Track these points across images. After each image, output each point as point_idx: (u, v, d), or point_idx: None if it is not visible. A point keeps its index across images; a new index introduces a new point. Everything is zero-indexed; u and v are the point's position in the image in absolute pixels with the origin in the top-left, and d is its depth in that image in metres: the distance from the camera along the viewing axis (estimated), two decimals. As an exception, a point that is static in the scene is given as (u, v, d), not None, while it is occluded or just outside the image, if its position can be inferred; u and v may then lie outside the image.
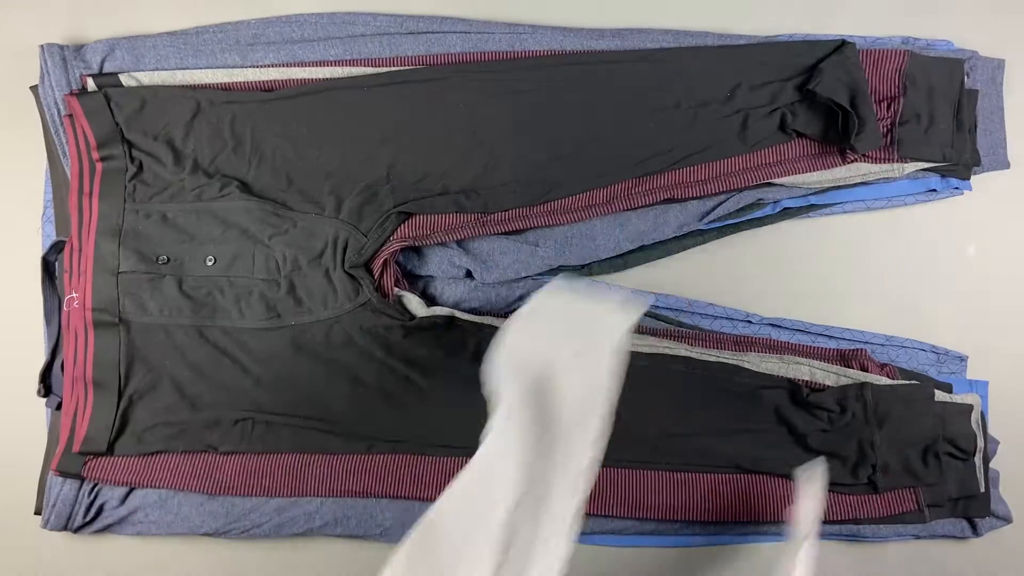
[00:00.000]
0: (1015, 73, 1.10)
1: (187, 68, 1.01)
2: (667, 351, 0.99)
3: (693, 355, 0.99)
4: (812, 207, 1.06)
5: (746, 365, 0.99)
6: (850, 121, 0.97)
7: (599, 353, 0.72)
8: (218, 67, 1.01)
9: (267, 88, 1.00)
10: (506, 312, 1.03)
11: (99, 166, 0.98)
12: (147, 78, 0.99)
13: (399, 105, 0.98)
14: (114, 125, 0.97)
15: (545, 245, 1.02)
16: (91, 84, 0.98)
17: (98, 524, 0.98)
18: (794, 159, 1.01)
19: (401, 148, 0.98)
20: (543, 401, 0.71)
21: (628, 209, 1.00)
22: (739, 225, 1.06)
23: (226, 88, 1.00)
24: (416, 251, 1.03)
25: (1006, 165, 1.09)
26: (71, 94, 0.97)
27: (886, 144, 1.01)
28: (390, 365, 0.97)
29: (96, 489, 0.98)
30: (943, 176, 1.05)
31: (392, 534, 0.98)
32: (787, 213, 1.06)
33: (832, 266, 1.10)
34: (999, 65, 1.08)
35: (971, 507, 1.01)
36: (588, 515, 0.98)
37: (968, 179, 1.06)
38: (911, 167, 1.03)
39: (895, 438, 0.97)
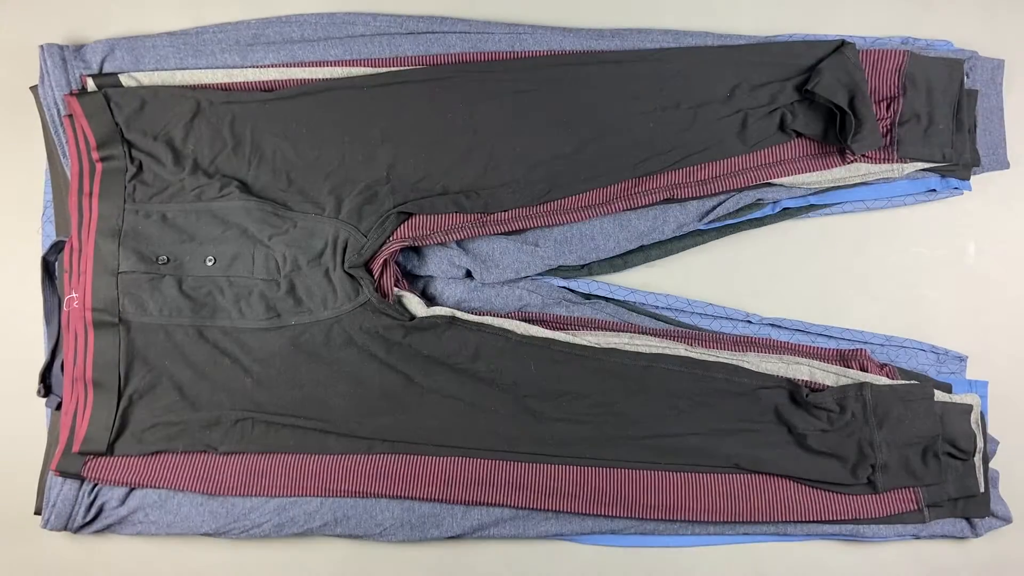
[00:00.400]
0: (1015, 73, 1.10)
1: (187, 68, 1.01)
2: (667, 351, 0.99)
3: (692, 355, 0.99)
4: (812, 207, 1.06)
5: (745, 365, 0.99)
6: (849, 121, 0.97)
7: None
8: (218, 67, 1.01)
9: (267, 88, 1.00)
10: (506, 312, 1.03)
11: (99, 166, 0.98)
12: (147, 78, 0.99)
13: (399, 105, 0.98)
14: (114, 125, 0.97)
15: (545, 245, 1.02)
16: (91, 84, 0.98)
17: (98, 524, 0.98)
18: (794, 159, 1.01)
19: (401, 148, 0.98)
20: None
21: (628, 209, 1.01)
22: (739, 225, 1.06)
23: (226, 88, 1.00)
24: (416, 251, 1.03)
25: (1006, 165, 1.09)
26: (71, 94, 0.97)
27: (886, 144, 1.01)
28: (390, 365, 0.97)
29: (96, 489, 0.98)
30: (943, 176, 1.05)
31: (392, 534, 0.98)
32: (787, 213, 1.07)
33: (832, 266, 1.10)
34: (999, 65, 1.08)
35: (970, 507, 1.01)
36: (588, 515, 0.99)
37: (968, 179, 1.06)
38: (911, 167, 1.03)
39: (895, 438, 0.97)
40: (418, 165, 0.98)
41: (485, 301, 1.03)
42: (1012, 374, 1.09)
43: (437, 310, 0.99)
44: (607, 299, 1.06)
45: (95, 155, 0.97)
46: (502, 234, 1.01)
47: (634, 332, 1.03)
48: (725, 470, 0.98)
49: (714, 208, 1.03)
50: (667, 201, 1.01)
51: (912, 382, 1.01)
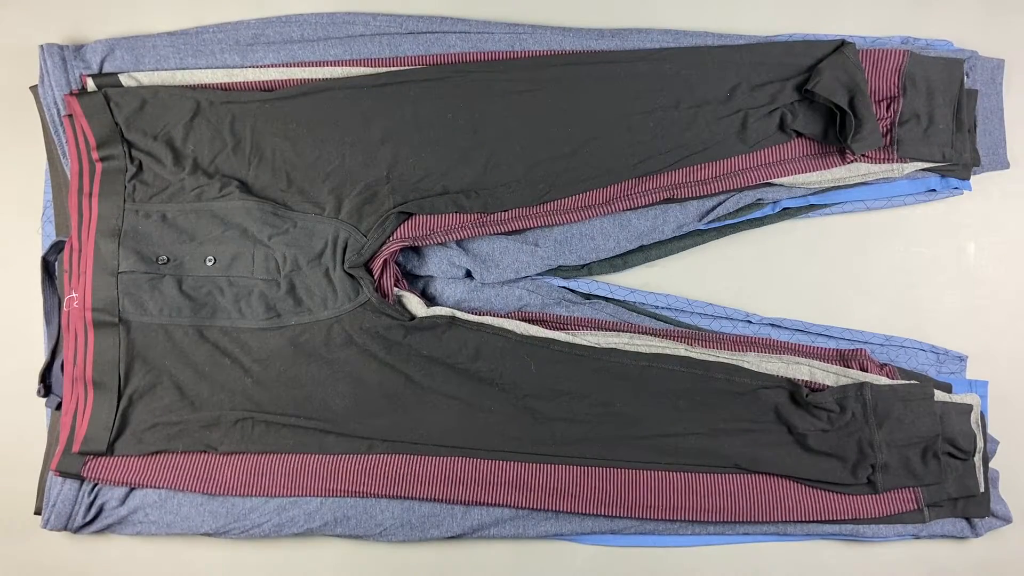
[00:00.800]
0: (1015, 73, 1.10)
1: (187, 68, 1.01)
2: (667, 351, 0.99)
3: (692, 355, 0.99)
4: (812, 207, 1.06)
5: (745, 365, 0.99)
6: (849, 121, 0.97)
7: None
8: (218, 67, 1.01)
9: (267, 88, 1.00)
10: (506, 312, 1.03)
11: (99, 166, 0.98)
12: (147, 78, 0.99)
13: (399, 105, 0.98)
14: (114, 125, 0.97)
15: (545, 245, 1.02)
16: (91, 84, 0.98)
17: (98, 524, 0.98)
18: (794, 159, 1.01)
19: (401, 148, 0.98)
20: None
21: (628, 209, 1.01)
22: (739, 225, 1.06)
23: (226, 88, 1.00)
24: (416, 251, 1.03)
25: (1006, 165, 1.09)
26: (71, 94, 0.97)
27: (886, 144, 1.01)
28: (390, 365, 0.97)
29: (96, 489, 0.98)
30: (943, 176, 1.05)
31: (392, 534, 0.98)
32: (787, 213, 1.07)
33: (832, 266, 1.10)
34: (999, 65, 1.08)
35: (970, 507, 1.01)
36: (588, 515, 0.99)
37: (968, 179, 1.06)
38: (911, 167, 1.03)
39: (895, 438, 0.97)
40: (418, 165, 0.98)
41: (485, 301, 1.03)
42: (1012, 374, 1.09)
43: (437, 310, 0.99)
44: (607, 299, 1.06)
45: (95, 155, 0.97)
46: (502, 234, 1.01)
47: (634, 332, 1.03)
48: (725, 470, 0.98)
49: (714, 208, 1.03)
50: (667, 201, 1.01)
51: (912, 382, 1.00)
